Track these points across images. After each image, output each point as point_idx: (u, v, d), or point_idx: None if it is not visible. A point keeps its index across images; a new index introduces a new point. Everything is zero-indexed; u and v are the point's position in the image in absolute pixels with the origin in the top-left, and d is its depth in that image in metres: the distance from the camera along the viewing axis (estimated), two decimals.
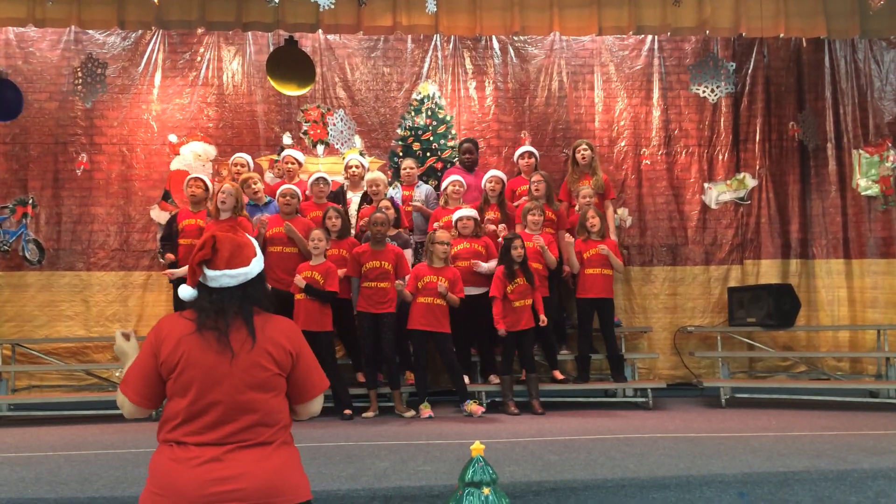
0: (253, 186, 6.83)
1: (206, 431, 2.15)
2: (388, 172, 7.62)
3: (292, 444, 2.30)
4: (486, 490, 2.80)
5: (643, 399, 6.83)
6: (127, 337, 2.43)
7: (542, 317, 6.35)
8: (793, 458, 4.36)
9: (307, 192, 6.97)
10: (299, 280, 6.10)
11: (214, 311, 2.22)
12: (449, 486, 3.70)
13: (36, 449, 5.13)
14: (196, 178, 6.90)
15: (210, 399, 2.15)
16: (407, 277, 6.33)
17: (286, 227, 6.40)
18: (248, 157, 7.39)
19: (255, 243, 2.38)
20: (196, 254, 2.26)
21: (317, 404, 2.39)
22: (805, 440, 4.97)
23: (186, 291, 2.31)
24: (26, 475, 4.20)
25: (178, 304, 6.93)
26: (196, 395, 2.15)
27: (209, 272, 2.26)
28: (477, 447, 2.89)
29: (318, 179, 6.90)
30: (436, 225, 6.77)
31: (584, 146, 7.44)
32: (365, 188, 7.11)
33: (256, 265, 2.32)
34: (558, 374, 6.88)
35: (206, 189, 6.89)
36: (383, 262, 6.27)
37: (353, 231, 6.92)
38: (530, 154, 7.46)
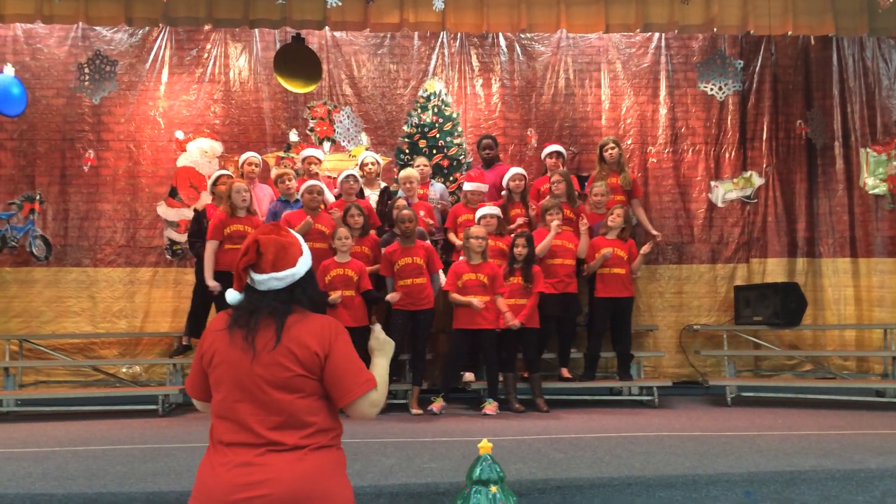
0: (287, 182, 6.84)
1: (238, 431, 2.14)
2: (395, 169, 7.62)
3: (335, 448, 2.23)
4: (493, 488, 2.81)
5: (649, 397, 6.83)
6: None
7: (513, 320, 6.11)
8: (799, 457, 4.36)
9: (336, 190, 6.95)
10: (335, 297, 6.06)
11: (248, 311, 2.21)
12: (455, 484, 3.70)
13: (43, 444, 5.15)
14: (227, 176, 6.96)
15: (236, 397, 2.15)
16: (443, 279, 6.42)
17: (306, 223, 6.36)
18: (259, 157, 7.35)
19: (301, 240, 2.33)
20: (241, 259, 2.23)
21: (363, 406, 2.22)
22: (811, 439, 4.97)
23: (233, 296, 2.27)
24: (34, 470, 4.22)
25: (198, 300, 6.93)
26: (225, 393, 2.17)
27: (256, 276, 2.22)
28: (484, 445, 2.89)
29: (347, 176, 6.80)
30: (463, 219, 6.79)
31: (612, 144, 7.40)
32: (381, 186, 7.13)
33: (303, 264, 2.27)
34: (566, 373, 6.88)
35: None
36: (415, 258, 6.29)
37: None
38: (558, 154, 7.40)
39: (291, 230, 2.37)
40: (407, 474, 4.01)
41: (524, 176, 7.07)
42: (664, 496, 3.85)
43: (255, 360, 2.14)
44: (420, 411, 6.20)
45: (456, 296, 6.18)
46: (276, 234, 2.27)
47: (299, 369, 2.15)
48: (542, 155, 7.57)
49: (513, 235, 6.48)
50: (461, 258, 6.43)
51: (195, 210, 7.33)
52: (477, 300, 6.09)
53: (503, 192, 7.11)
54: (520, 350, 6.48)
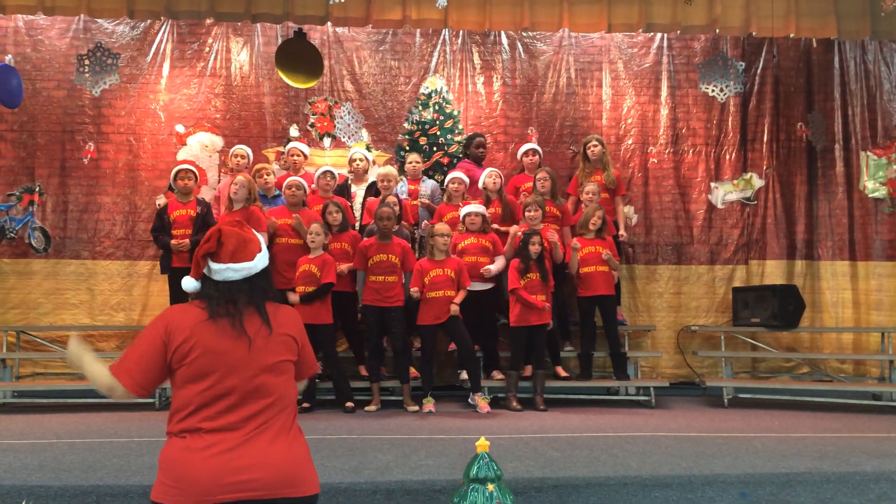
0: (265, 177, 6.86)
1: (220, 416, 2.17)
2: (395, 166, 7.60)
3: (303, 435, 2.33)
4: (490, 486, 2.81)
5: (646, 397, 6.83)
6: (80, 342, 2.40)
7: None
8: (795, 459, 4.37)
9: (313, 186, 6.96)
10: (294, 298, 6.08)
11: (225, 300, 2.26)
12: (451, 481, 3.71)
13: (40, 436, 5.15)
14: (186, 170, 6.87)
15: (227, 385, 2.18)
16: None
17: (295, 219, 6.39)
18: (248, 149, 7.35)
19: (262, 239, 2.41)
20: (201, 246, 2.30)
21: (306, 382, 2.60)
22: (808, 442, 4.97)
23: (190, 283, 2.34)
24: (30, 462, 4.22)
25: (175, 296, 6.92)
26: (213, 381, 2.18)
27: (213, 265, 2.29)
28: (482, 443, 2.89)
29: (324, 173, 6.89)
30: (449, 217, 6.78)
31: (595, 142, 7.43)
32: (369, 181, 7.13)
33: (261, 260, 2.35)
34: (561, 371, 6.88)
35: (196, 179, 6.93)
36: (390, 256, 6.28)
37: (356, 224, 6.93)
38: (534, 151, 7.46)
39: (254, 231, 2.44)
40: (403, 471, 4.01)
41: (500, 174, 7.06)
42: (660, 496, 3.86)
43: (251, 347, 2.22)
44: (416, 408, 6.20)
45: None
46: (239, 227, 2.36)
47: (288, 353, 2.31)
48: (518, 154, 7.60)
49: (522, 233, 6.45)
50: (425, 256, 6.43)
51: (158, 205, 7.31)
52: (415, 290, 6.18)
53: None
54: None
